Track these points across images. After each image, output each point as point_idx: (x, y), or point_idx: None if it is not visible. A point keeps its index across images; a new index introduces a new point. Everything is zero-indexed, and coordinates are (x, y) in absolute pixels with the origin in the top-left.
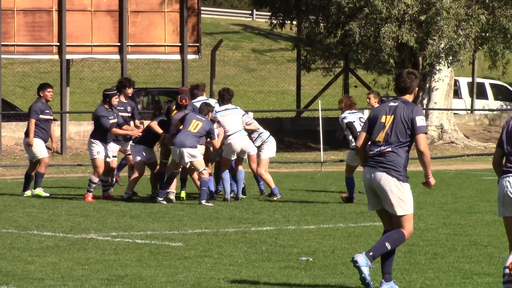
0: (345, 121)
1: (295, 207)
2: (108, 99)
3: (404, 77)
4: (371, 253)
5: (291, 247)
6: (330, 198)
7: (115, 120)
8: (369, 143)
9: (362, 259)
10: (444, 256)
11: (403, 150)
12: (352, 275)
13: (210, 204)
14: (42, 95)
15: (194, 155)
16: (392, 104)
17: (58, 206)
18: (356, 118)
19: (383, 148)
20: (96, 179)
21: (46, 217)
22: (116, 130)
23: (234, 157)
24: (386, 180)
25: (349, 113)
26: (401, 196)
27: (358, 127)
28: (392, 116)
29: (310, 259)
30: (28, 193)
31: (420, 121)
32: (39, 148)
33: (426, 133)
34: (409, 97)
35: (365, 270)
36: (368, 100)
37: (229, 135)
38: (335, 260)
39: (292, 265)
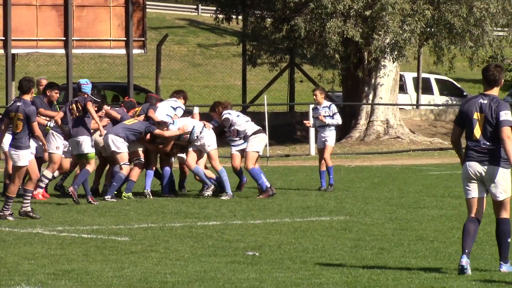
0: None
1: (241, 202)
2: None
3: (492, 70)
4: (504, 255)
5: (238, 242)
6: (276, 193)
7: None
8: (467, 138)
9: (505, 268)
10: (391, 251)
11: (498, 141)
12: (298, 269)
13: (113, 200)
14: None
15: (118, 146)
16: (482, 101)
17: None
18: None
19: (483, 143)
20: (50, 175)
21: None
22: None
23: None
24: (494, 170)
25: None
26: (506, 182)
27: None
28: (483, 114)
29: (257, 254)
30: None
31: (503, 115)
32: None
33: (511, 126)
34: (496, 90)
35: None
36: (314, 96)
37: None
38: (281, 255)
39: (238, 260)
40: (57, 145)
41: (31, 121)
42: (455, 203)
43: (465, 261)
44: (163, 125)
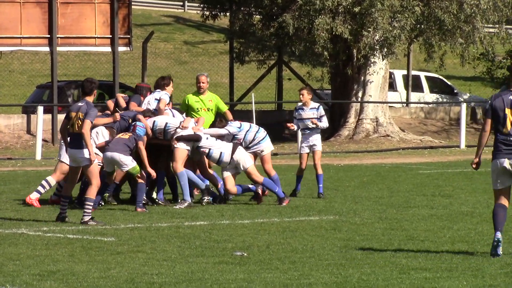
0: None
1: (229, 201)
2: None
3: None
4: None
5: (225, 242)
6: None
7: None
8: (497, 131)
9: None
10: (381, 251)
11: None
12: (287, 270)
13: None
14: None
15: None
16: (511, 97)
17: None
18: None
19: None
20: (54, 182)
21: None
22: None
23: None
24: None
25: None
26: None
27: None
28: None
29: (245, 254)
30: None
31: None
32: None
33: None
34: None
35: None
36: (301, 96)
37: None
38: (270, 255)
39: (226, 260)
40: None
41: (86, 119)
42: (446, 202)
43: (499, 235)
44: (148, 112)
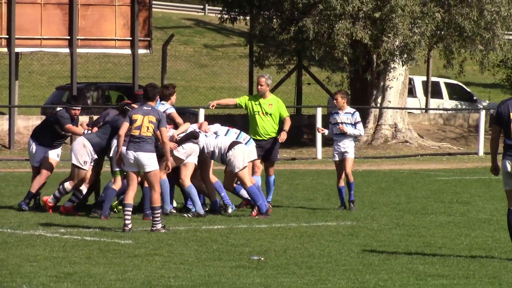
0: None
1: (247, 206)
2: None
3: None
4: None
5: (243, 246)
6: (282, 197)
7: None
8: (505, 136)
9: None
10: (398, 257)
11: None
12: (304, 275)
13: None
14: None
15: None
16: None
17: (6, 201)
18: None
19: None
20: (70, 188)
21: None
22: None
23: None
24: None
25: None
26: None
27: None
28: None
29: (262, 258)
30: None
31: None
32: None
33: None
34: None
35: None
36: (335, 101)
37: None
38: (287, 260)
39: (243, 265)
40: (85, 159)
41: (161, 126)
42: (463, 209)
43: None
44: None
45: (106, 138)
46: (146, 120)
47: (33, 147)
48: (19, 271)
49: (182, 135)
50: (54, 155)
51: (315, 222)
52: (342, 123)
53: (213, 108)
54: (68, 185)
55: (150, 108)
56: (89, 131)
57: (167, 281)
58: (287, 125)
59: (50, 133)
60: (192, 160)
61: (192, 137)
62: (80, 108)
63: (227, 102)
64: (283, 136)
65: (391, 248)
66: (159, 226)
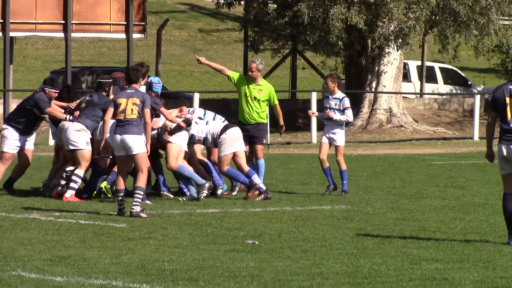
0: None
1: (241, 189)
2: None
3: None
4: None
5: (237, 230)
6: (276, 181)
7: None
8: (501, 121)
9: None
10: (392, 241)
11: None
12: (298, 258)
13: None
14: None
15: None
16: (511, 87)
17: (1, 185)
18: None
19: None
20: (82, 173)
21: None
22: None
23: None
24: None
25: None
26: None
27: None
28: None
29: (256, 242)
30: None
31: None
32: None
33: None
34: None
35: None
36: (325, 85)
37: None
38: (281, 244)
39: (237, 248)
40: (87, 139)
41: (145, 107)
42: (458, 193)
43: None
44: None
45: (98, 120)
46: (130, 102)
47: (10, 132)
48: (13, 254)
49: (174, 125)
50: (30, 145)
51: (309, 206)
52: (329, 108)
53: (201, 63)
54: (79, 172)
55: (133, 91)
56: (71, 116)
57: (161, 265)
58: (281, 117)
59: (28, 118)
60: (180, 143)
61: (186, 124)
62: (57, 91)
63: (219, 68)
64: (282, 131)
65: (385, 232)
66: (138, 208)
